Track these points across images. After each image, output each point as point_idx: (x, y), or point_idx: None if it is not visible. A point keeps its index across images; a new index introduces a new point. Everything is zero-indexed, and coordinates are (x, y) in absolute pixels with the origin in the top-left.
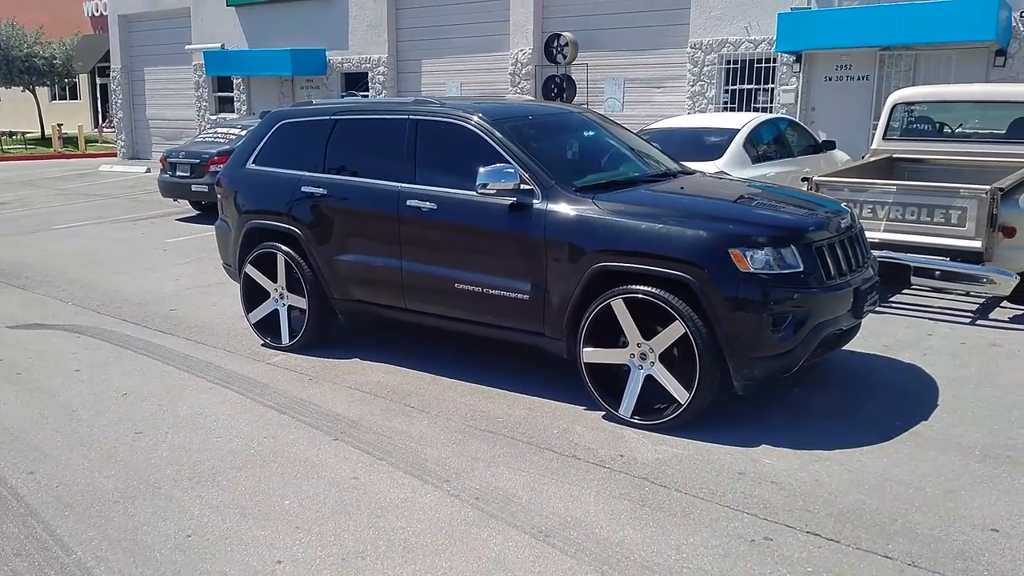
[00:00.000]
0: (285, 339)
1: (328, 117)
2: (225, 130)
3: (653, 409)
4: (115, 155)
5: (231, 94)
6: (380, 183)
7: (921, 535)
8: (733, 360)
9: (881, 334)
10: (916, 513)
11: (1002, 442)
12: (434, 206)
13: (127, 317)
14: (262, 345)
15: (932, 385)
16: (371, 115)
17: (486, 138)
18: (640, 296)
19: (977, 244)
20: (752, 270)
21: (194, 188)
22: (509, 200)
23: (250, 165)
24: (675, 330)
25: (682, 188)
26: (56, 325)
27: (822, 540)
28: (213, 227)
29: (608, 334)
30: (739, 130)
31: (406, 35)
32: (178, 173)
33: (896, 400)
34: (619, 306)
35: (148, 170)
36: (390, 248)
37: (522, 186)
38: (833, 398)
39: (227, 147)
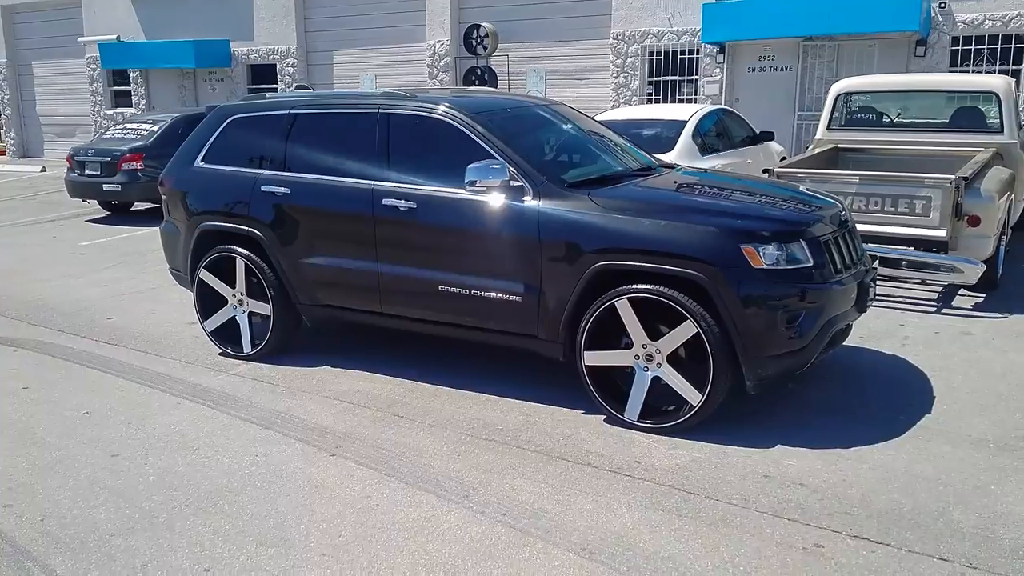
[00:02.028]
0: (247, 348)
1: (286, 112)
2: (136, 125)
3: (661, 412)
4: (3, 154)
5: (128, 88)
6: (351, 181)
7: (968, 534)
8: (746, 359)
9: (856, 325)
10: (954, 511)
11: (1010, 433)
12: (413, 205)
13: (62, 327)
14: (220, 354)
15: (922, 376)
16: (335, 109)
17: (468, 133)
18: (647, 296)
19: (942, 233)
20: (765, 266)
21: (106, 187)
22: (498, 197)
23: (199, 164)
24: (686, 330)
25: (676, 183)
26: None
27: (872, 544)
28: (134, 229)
29: (608, 335)
30: (686, 122)
31: (316, 25)
32: (87, 172)
33: (892, 393)
34: (624, 306)
35: (43, 169)
36: (364, 250)
37: (511, 183)
38: (831, 393)
39: (140, 144)
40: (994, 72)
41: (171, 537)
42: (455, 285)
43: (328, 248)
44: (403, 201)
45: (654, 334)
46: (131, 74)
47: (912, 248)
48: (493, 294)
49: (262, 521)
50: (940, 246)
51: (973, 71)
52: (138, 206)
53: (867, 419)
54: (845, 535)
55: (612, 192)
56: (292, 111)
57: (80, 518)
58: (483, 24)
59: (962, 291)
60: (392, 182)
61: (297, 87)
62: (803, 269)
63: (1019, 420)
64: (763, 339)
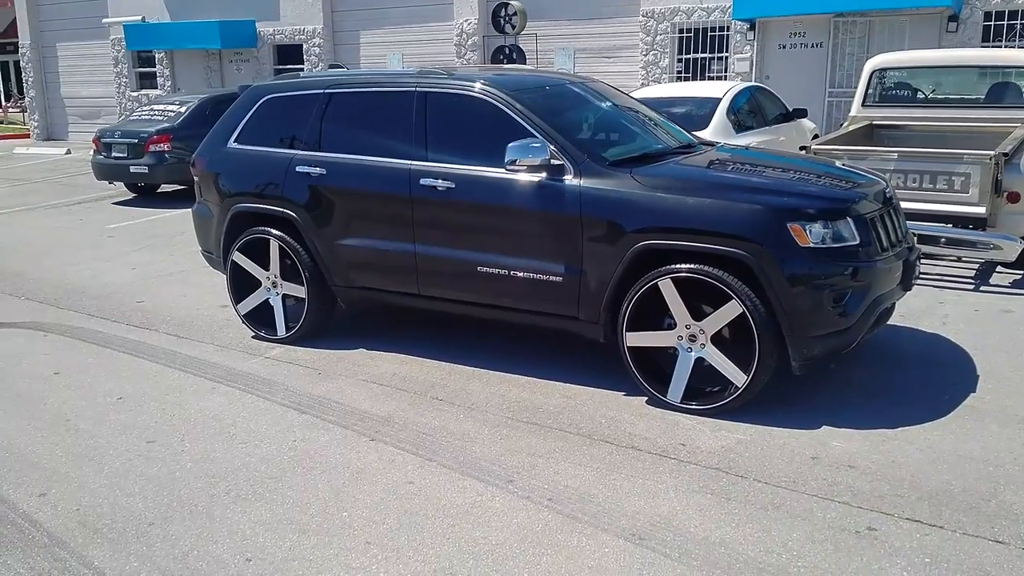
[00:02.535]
0: (281, 331)
1: (321, 91)
2: (162, 107)
3: (704, 393)
4: (27, 136)
5: (153, 69)
6: (388, 161)
7: (1022, 516)
8: (792, 339)
9: None
10: (1006, 492)
11: None
12: (452, 184)
13: (92, 312)
14: (253, 337)
15: (963, 355)
16: (371, 88)
17: (507, 111)
18: (692, 275)
19: (981, 210)
20: (811, 244)
21: (133, 170)
22: (538, 176)
23: (232, 144)
24: (731, 310)
25: (717, 161)
26: (15, 323)
27: (925, 527)
28: (161, 211)
29: (649, 316)
30: (720, 99)
31: (342, 4)
32: (114, 154)
33: (934, 372)
34: (667, 286)
35: (68, 151)
36: (402, 231)
37: (552, 161)
38: (873, 372)
39: (167, 125)
40: None
41: (211, 526)
42: (494, 266)
43: (364, 229)
44: (441, 181)
45: (696, 314)
46: (156, 55)
47: (950, 225)
48: (533, 275)
49: (303, 509)
50: (979, 223)
51: (1006, 47)
52: (164, 188)
53: (911, 399)
54: (897, 518)
55: (655, 171)
56: (327, 90)
57: (117, 507)
58: (511, 2)
59: (999, 268)
60: (430, 162)
61: (331, 67)
62: (849, 247)
63: None
64: (809, 319)
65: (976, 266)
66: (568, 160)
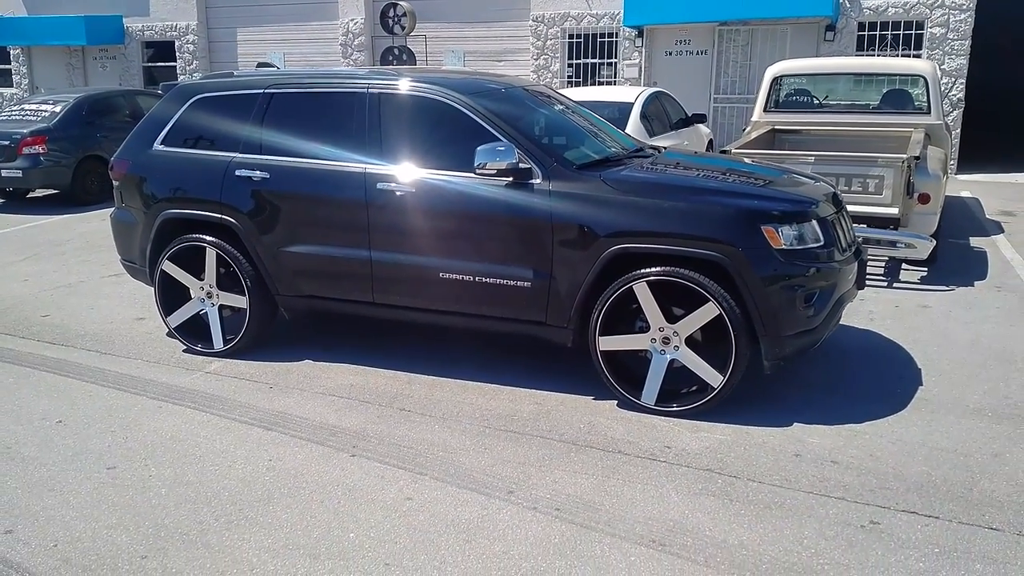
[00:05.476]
0: (219, 343)
1: (261, 91)
2: (35, 106)
3: (678, 395)
4: None
5: (8, 67)
6: (340, 165)
7: (1005, 503)
8: (766, 339)
9: None
10: (982, 481)
11: (1002, 402)
12: (412, 189)
13: None
14: (185, 351)
15: (899, 349)
16: (317, 88)
17: (469, 114)
18: (667, 278)
19: (894, 211)
20: (783, 246)
21: (5, 174)
22: (505, 180)
23: (159, 147)
24: (707, 312)
25: (677, 164)
26: None
27: (923, 518)
28: (38, 217)
29: (620, 319)
30: (633, 104)
31: (218, 0)
32: None
33: (880, 367)
34: (643, 290)
35: None
36: (356, 237)
37: (520, 165)
38: (823, 369)
39: (42, 126)
40: (897, 56)
41: (211, 556)
42: (457, 272)
43: (314, 236)
44: (400, 185)
45: (671, 317)
46: (11, 51)
47: (865, 225)
48: (499, 280)
49: (305, 532)
50: (892, 223)
51: (878, 55)
52: (36, 193)
53: (867, 394)
54: (894, 510)
55: (623, 175)
56: (267, 90)
57: (99, 540)
58: (400, 2)
59: (904, 265)
60: (385, 165)
61: (259, 65)
62: (815, 248)
63: (1004, 389)
64: (783, 318)
65: (882, 264)
66: (536, 164)
